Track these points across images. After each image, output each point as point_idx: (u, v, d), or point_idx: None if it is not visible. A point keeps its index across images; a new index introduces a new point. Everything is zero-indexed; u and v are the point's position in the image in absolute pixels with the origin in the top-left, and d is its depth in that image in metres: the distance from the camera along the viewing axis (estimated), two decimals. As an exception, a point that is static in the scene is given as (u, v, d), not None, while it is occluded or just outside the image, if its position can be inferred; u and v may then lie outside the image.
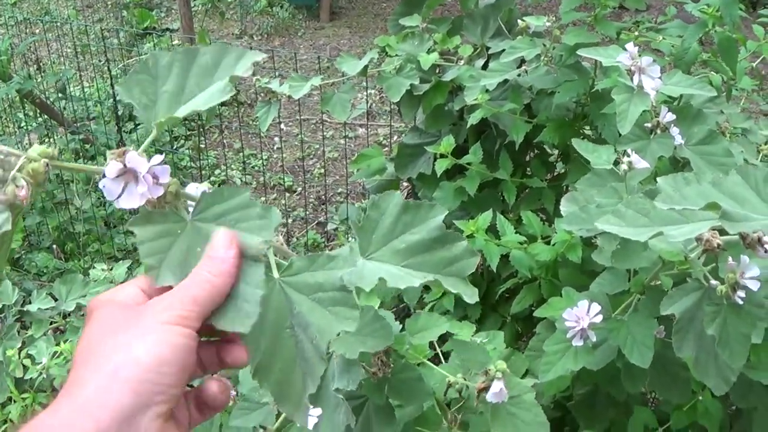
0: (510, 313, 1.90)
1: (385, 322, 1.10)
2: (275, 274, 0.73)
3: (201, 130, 4.61)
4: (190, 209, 0.72)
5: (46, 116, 4.13)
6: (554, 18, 1.86)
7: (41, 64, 5.49)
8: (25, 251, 3.61)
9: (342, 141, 4.73)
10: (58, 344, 2.06)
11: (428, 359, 1.30)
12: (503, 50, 1.85)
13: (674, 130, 1.44)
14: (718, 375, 1.16)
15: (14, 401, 2.09)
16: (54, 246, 3.68)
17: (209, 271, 0.65)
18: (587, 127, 1.95)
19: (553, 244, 1.69)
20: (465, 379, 1.18)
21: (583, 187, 1.39)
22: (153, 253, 0.68)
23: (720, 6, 1.71)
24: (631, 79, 1.45)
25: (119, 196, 0.66)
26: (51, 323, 2.17)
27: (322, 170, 4.49)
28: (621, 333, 1.26)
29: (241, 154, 4.54)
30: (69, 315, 2.17)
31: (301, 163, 4.58)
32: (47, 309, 2.15)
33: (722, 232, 1.02)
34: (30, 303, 2.16)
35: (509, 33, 2.01)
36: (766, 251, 0.99)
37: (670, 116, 1.44)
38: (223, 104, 5.06)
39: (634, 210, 0.99)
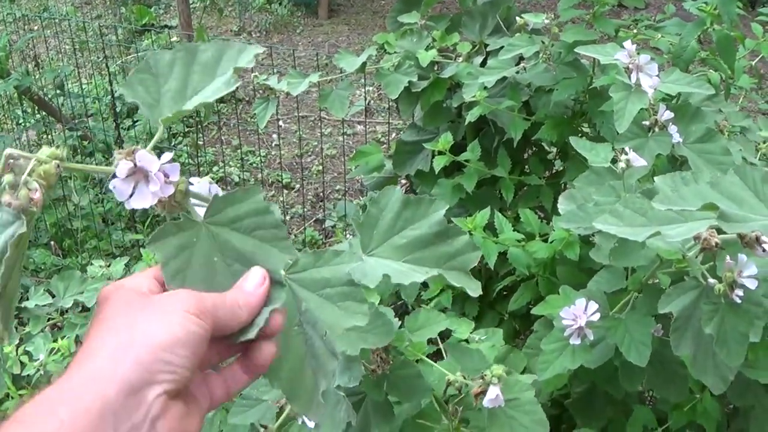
0: (507, 311, 1.90)
1: (386, 319, 1.10)
2: (281, 272, 0.72)
3: (199, 127, 4.60)
4: (196, 209, 0.71)
5: (44, 113, 4.12)
6: (553, 15, 1.86)
7: (39, 60, 5.48)
8: (23, 248, 3.60)
9: (340, 138, 4.72)
10: (55, 341, 2.06)
11: (429, 355, 1.30)
12: (502, 47, 1.85)
13: (672, 128, 1.44)
14: (716, 374, 1.16)
15: (12, 398, 2.09)
16: (52, 242, 3.67)
17: (237, 300, 0.67)
18: (585, 125, 1.95)
19: (551, 242, 1.69)
20: (464, 377, 1.18)
21: (581, 184, 1.39)
22: (175, 274, 0.68)
23: (718, 4, 1.71)
24: (629, 77, 1.45)
25: (130, 197, 0.66)
26: (48, 320, 2.16)
27: (320, 167, 4.49)
28: (618, 331, 1.26)
29: (239, 150, 4.54)
30: (66, 312, 2.17)
31: (299, 160, 4.57)
32: (45, 306, 2.14)
33: (720, 230, 1.02)
34: (27, 299, 2.16)
35: (508, 30, 2.01)
36: (764, 250, 0.99)
37: (668, 114, 1.44)
38: (221, 101, 5.06)
39: (632, 209, 0.99)
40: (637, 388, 1.44)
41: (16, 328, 2.14)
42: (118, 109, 4.26)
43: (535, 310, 1.48)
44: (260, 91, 2.05)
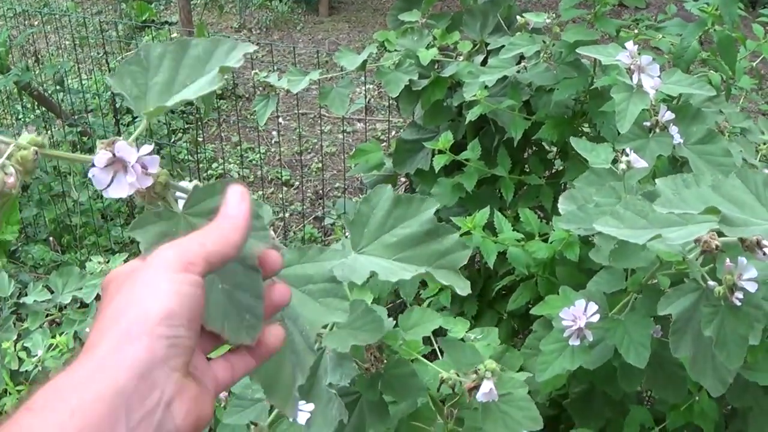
0: (506, 310, 1.90)
1: (376, 316, 1.10)
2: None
3: (199, 123, 4.60)
4: (180, 202, 0.71)
5: (43, 108, 4.12)
6: (554, 15, 1.85)
7: (39, 56, 5.47)
8: (22, 243, 3.61)
9: (340, 135, 4.72)
10: (53, 337, 2.06)
11: (426, 355, 1.30)
12: (502, 46, 1.85)
13: (673, 129, 1.44)
14: (715, 376, 1.16)
15: (9, 393, 2.09)
16: (51, 238, 3.67)
17: (223, 225, 0.65)
18: (586, 125, 1.95)
19: (551, 242, 1.69)
20: (458, 375, 1.18)
21: (581, 185, 1.39)
22: None
23: (720, 5, 1.71)
24: (631, 78, 1.44)
25: (108, 186, 0.66)
26: (47, 316, 2.16)
27: (320, 165, 4.48)
28: (618, 332, 1.26)
29: (238, 147, 4.53)
30: (65, 307, 2.17)
31: (299, 158, 4.57)
32: (43, 301, 2.14)
33: (721, 233, 1.02)
34: (26, 295, 2.16)
35: (509, 29, 2.01)
36: (764, 254, 0.99)
37: (669, 115, 1.44)
38: (221, 97, 5.06)
39: (633, 211, 0.99)
40: (636, 389, 1.44)
41: (14, 324, 2.14)
42: (117, 105, 4.26)
43: (534, 310, 1.48)
44: (260, 88, 2.04)
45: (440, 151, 1.91)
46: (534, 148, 2.16)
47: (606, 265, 1.34)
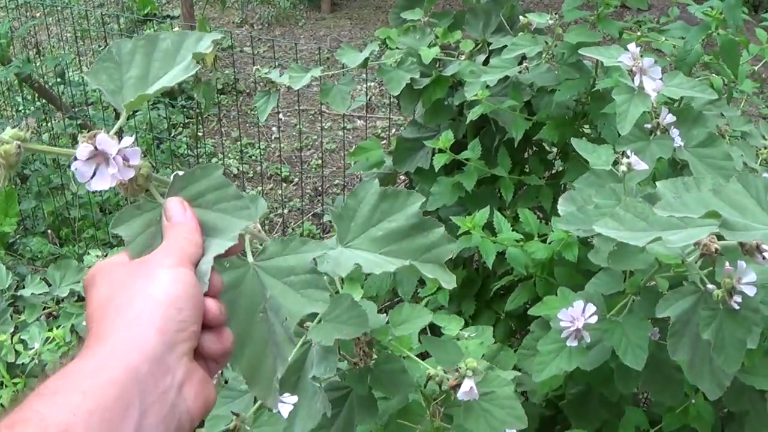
0: (504, 310, 1.90)
1: (361, 310, 1.10)
2: (250, 258, 0.75)
3: (199, 118, 4.59)
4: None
5: (44, 101, 4.11)
6: (556, 15, 1.85)
7: (41, 48, 5.47)
8: (20, 236, 3.60)
9: (340, 132, 4.71)
10: (50, 330, 2.05)
11: (418, 354, 1.29)
12: (505, 46, 1.85)
13: (674, 132, 1.44)
14: (713, 379, 1.15)
15: (5, 386, 2.09)
16: (49, 231, 3.67)
17: (180, 233, 0.69)
18: (587, 126, 1.94)
19: (550, 243, 1.69)
20: (445, 372, 1.18)
21: (581, 186, 1.38)
22: (142, 250, 0.70)
23: (724, 9, 1.70)
24: (632, 80, 1.44)
25: (91, 179, 0.68)
26: (44, 308, 2.16)
27: (320, 161, 4.48)
28: (615, 334, 1.26)
29: (238, 143, 4.53)
30: (62, 301, 2.17)
31: (299, 154, 4.57)
32: (41, 294, 2.14)
33: (720, 236, 1.02)
34: (23, 288, 2.16)
35: (511, 29, 2.01)
36: (764, 258, 0.99)
37: (670, 118, 1.44)
38: (221, 92, 5.05)
39: (633, 213, 0.99)
40: (633, 391, 1.44)
41: (11, 316, 2.14)
42: (118, 99, 4.24)
43: (532, 311, 1.48)
44: (261, 84, 2.04)
45: (440, 150, 1.91)
46: (534, 148, 2.16)
47: (605, 267, 1.34)
